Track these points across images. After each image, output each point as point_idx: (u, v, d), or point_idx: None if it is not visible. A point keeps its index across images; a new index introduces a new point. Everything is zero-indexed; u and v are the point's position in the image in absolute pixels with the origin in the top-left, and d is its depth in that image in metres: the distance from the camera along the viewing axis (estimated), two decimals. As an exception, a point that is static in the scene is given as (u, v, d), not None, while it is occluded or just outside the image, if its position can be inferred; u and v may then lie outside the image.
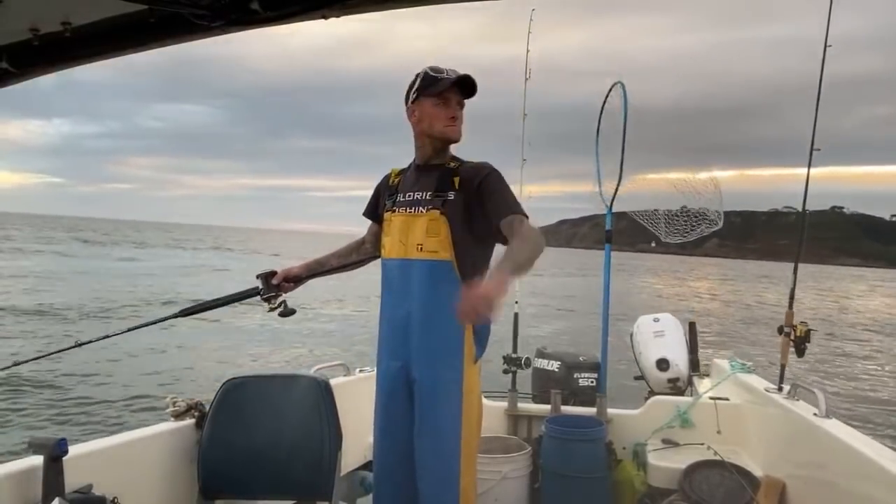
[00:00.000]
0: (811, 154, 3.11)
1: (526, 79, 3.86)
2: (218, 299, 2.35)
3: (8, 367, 2.33)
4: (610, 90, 3.54)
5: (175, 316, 2.35)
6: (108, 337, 2.29)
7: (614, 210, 3.46)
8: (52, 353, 2.40)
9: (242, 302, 2.37)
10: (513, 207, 2.03)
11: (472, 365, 2.09)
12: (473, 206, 2.06)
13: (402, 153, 2.32)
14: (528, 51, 3.87)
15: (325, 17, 1.26)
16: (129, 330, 2.31)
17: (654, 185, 3.53)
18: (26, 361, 2.32)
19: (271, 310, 2.31)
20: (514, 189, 2.23)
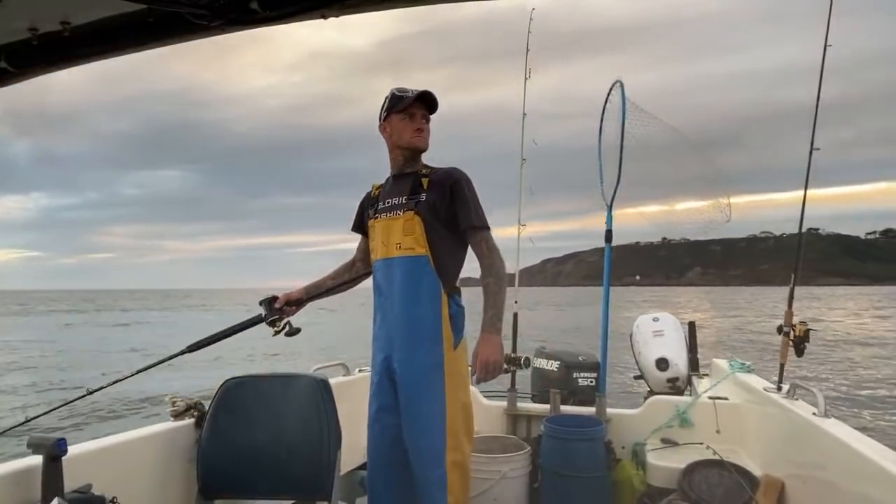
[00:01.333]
0: (811, 154, 3.10)
1: (526, 78, 3.88)
2: (225, 330, 2.43)
3: (20, 424, 2.37)
4: (610, 89, 3.54)
5: (182, 352, 2.40)
6: (118, 381, 2.34)
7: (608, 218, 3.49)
8: (64, 405, 2.43)
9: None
10: (477, 219, 2.27)
11: (451, 349, 2.23)
12: (444, 206, 2.27)
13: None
14: (527, 49, 3.88)
15: (325, 17, 1.25)
16: (137, 372, 2.36)
17: (653, 217, 3.59)
18: (38, 417, 2.36)
19: (276, 333, 2.44)
20: (513, 230, 2.41)
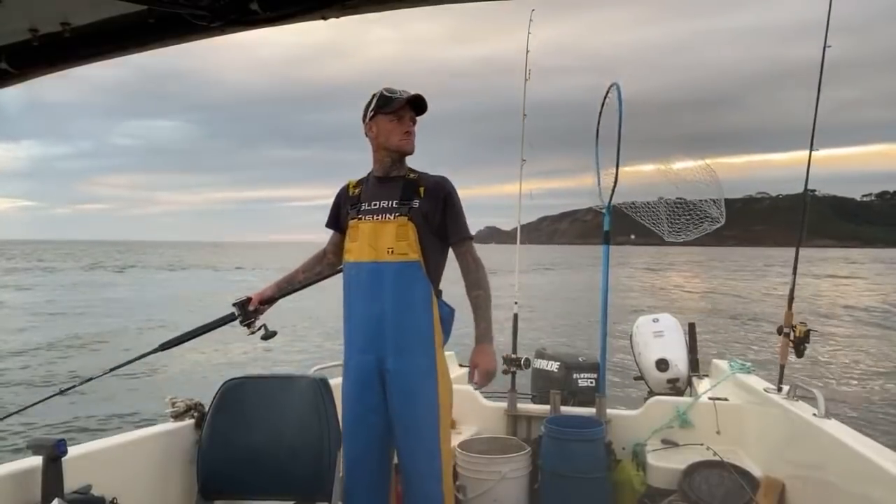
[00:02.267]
0: (810, 154, 3.11)
1: (526, 79, 3.87)
2: (197, 329, 2.45)
3: None
4: (608, 91, 3.54)
5: (154, 351, 2.40)
6: (90, 380, 2.34)
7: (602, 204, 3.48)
8: (36, 403, 2.42)
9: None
10: (466, 231, 2.38)
11: (441, 350, 2.32)
12: (435, 215, 2.32)
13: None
14: (527, 51, 3.88)
15: (325, 18, 1.25)
16: (111, 370, 2.36)
17: (647, 178, 3.54)
18: (10, 416, 2.35)
19: (251, 333, 2.47)
20: (514, 187, 2.43)
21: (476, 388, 2.37)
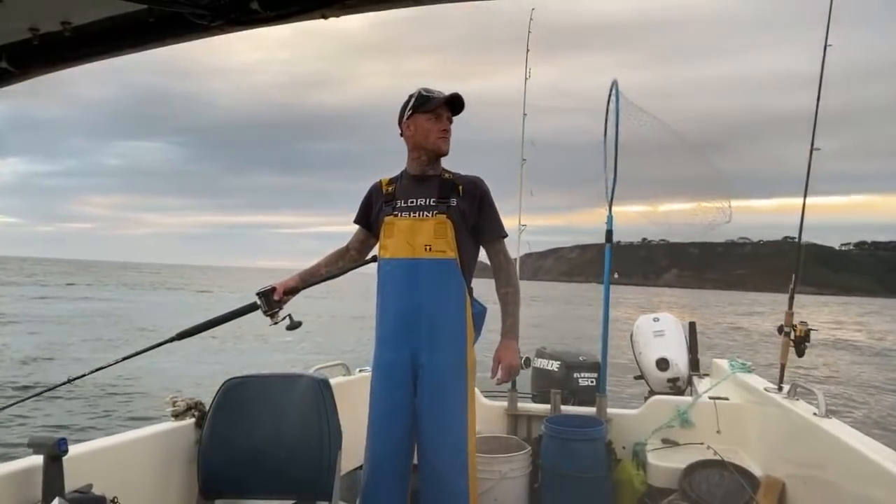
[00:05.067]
0: (811, 155, 3.11)
1: (526, 78, 3.88)
2: (218, 317, 2.40)
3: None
4: (611, 89, 3.54)
5: (172, 339, 2.34)
6: (101, 369, 2.28)
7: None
8: (43, 392, 2.36)
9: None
10: (499, 229, 2.44)
11: (472, 347, 2.37)
12: (472, 213, 2.36)
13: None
14: (527, 49, 3.89)
15: (325, 17, 1.25)
16: (123, 359, 2.31)
17: (651, 216, 3.61)
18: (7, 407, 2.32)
19: (274, 324, 2.41)
20: (514, 188, 2.45)
21: (498, 383, 2.38)
